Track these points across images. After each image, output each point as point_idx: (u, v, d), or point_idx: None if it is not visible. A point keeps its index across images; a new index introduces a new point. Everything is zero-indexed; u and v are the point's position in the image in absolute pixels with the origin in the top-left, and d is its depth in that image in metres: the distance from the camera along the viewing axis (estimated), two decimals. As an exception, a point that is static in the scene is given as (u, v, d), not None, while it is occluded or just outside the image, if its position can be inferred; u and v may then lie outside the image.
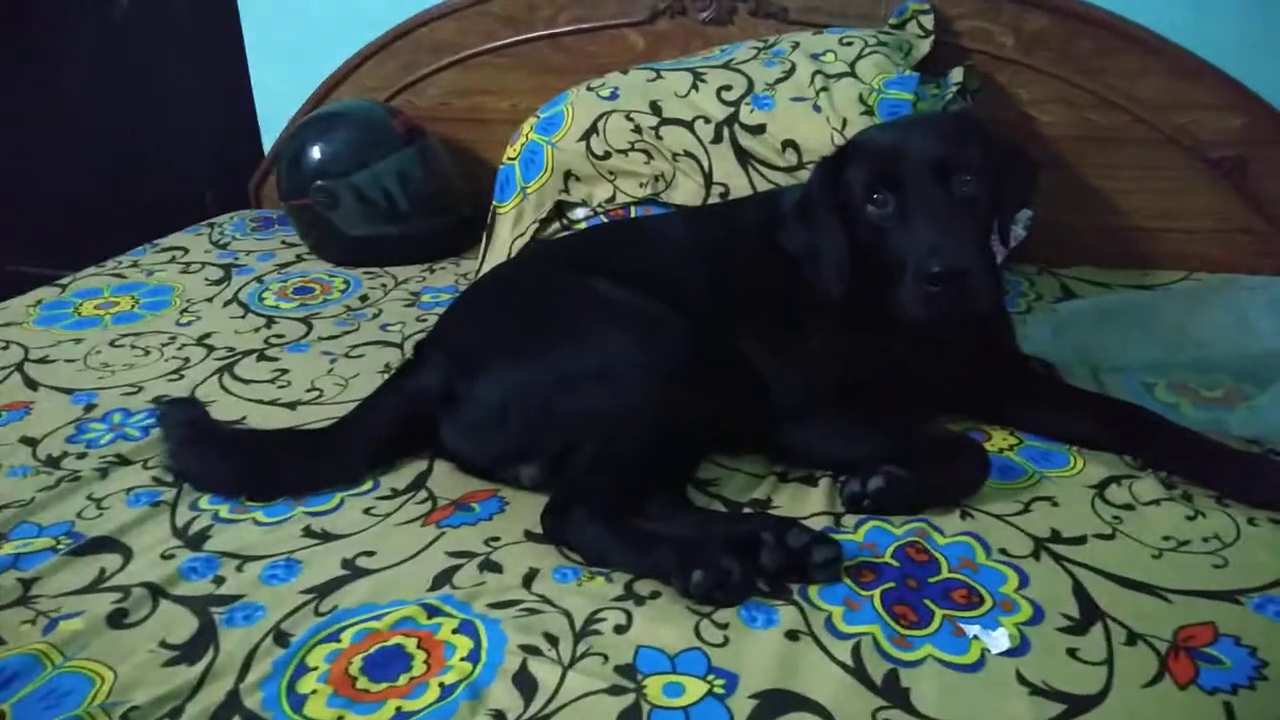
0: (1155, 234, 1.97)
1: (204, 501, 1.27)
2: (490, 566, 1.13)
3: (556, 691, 0.93)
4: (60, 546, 1.18)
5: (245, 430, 1.43)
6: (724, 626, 1.01)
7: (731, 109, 1.76)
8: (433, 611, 1.05)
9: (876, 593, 1.05)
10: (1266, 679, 0.92)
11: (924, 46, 1.91)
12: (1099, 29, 1.90)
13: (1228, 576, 1.06)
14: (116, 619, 1.06)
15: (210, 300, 1.98)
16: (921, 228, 1.21)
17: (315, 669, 0.98)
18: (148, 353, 1.74)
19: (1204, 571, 1.07)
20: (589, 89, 1.90)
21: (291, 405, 1.53)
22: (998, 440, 1.35)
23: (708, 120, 1.77)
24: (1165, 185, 1.93)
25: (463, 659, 0.98)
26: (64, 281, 2.07)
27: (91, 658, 1.00)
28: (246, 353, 1.73)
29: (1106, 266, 1.96)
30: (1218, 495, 1.20)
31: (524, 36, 2.26)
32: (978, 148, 1.26)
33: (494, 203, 1.93)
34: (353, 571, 1.13)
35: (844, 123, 1.68)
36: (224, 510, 1.26)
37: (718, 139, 1.76)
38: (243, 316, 1.90)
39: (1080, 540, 1.14)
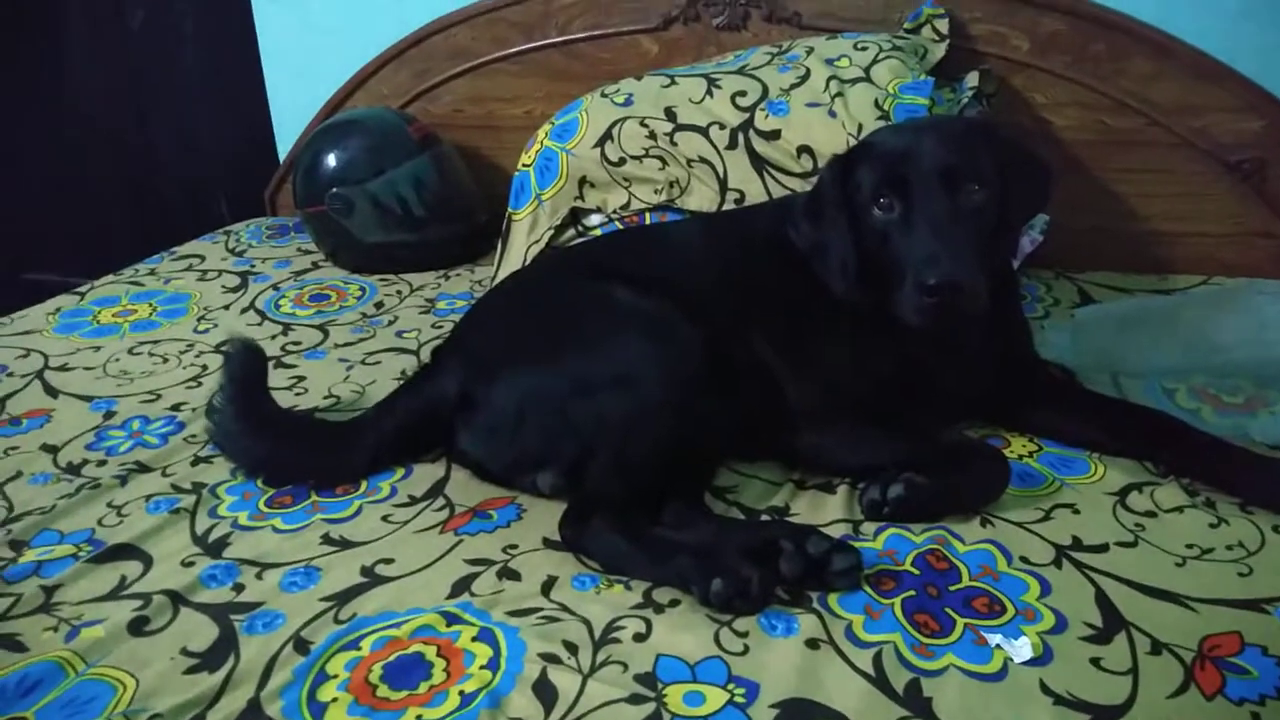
0: (1173, 238, 1.96)
1: (223, 509, 1.28)
2: (509, 574, 1.13)
3: (577, 700, 0.93)
4: (81, 554, 1.19)
5: (277, 409, 1.43)
6: (744, 635, 1.01)
7: (746, 115, 1.76)
8: (452, 619, 1.05)
9: (897, 601, 1.05)
10: (1294, 689, 0.92)
11: (939, 50, 1.91)
12: (1114, 32, 1.89)
13: (1253, 585, 1.05)
14: (137, 626, 1.06)
15: (227, 308, 1.99)
16: (924, 236, 1.21)
17: (335, 677, 0.98)
18: (166, 360, 1.75)
19: (1229, 580, 1.07)
20: (603, 95, 1.90)
21: (309, 412, 1.53)
22: (1017, 447, 1.34)
23: (722, 126, 1.77)
24: (1183, 189, 1.92)
25: (482, 667, 0.98)
26: (82, 290, 2.09)
27: (113, 665, 1.01)
28: (263, 360, 1.73)
29: (1124, 271, 1.95)
30: (1241, 502, 1.19)
31: (537, 43, 2.27)
32: (988, 156, 1.26)
33: (509, 209, 1.93)
34: (371, 579, 1.13)
35: (859, 128, 1.68)
36: (243, 517, 1.26)
37: (733, 145, 1.76)
38: (259, 324, 1.90)
39: (1102, 548, 1.13)
